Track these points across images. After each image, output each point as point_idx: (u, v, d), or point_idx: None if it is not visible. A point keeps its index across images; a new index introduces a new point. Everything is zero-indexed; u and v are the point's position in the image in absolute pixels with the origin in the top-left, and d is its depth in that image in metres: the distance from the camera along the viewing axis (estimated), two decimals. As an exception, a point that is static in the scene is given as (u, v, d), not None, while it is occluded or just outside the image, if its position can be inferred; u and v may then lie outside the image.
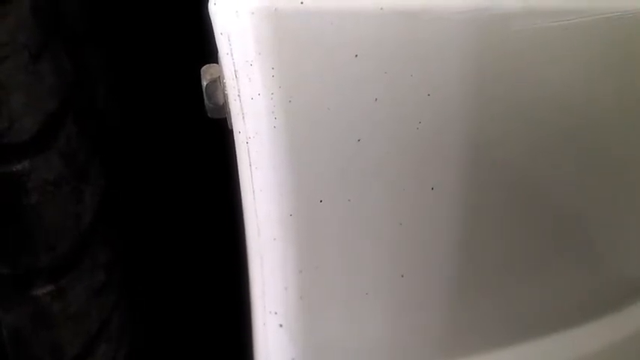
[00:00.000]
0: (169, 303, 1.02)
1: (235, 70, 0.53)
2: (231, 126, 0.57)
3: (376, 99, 0.55)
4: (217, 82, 0.57)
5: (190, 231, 1.00)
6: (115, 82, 0.85)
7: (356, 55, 0.53)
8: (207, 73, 0.57)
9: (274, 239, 0.60)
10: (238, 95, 0.54)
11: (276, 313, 0.64)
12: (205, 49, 0.60)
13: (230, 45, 0.52)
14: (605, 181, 0.65)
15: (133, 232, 0.90)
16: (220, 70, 0.56)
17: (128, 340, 0.85)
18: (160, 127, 0.95)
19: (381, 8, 0.52)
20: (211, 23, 0.53)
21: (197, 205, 1.00)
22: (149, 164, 0.95)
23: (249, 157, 0.57)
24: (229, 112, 0.57)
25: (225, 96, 0.57)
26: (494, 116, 0.58)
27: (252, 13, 0.50)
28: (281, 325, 0.65)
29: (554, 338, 0.72)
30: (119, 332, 0.82)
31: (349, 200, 0.59)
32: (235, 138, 0.57)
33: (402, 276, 0.64)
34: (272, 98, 0.53)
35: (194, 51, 0.67)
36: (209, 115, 0.59)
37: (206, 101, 0.58)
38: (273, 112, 0.54)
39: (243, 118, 0.55)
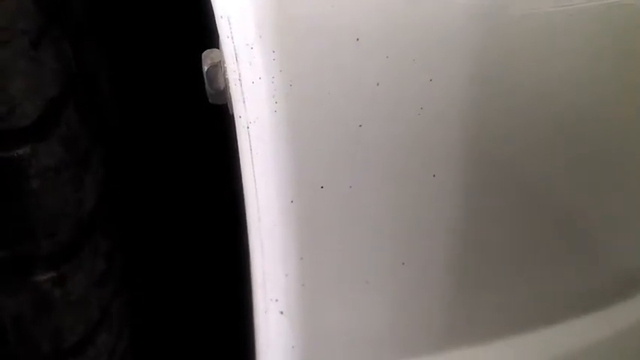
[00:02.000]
0: (170, 292, 1.02)
1: (236, 54, 0.53)
2: (232, 111, 0.57)
3: (378, 84, 0.54)
4: (218, 66, 0.57)
5: (191, 219, 1.00)
6: (116, 71, 0.85)
7: (357, 39, 0.52)
8: (207, 57, 0.57)
9: (275, 226, 0.60)
10: (239, 79, 0.54)
11: (276, 300, 0.64)
12: (207, 39, 0.59)
13: (230, 28, 0.52)
14: (604, 172, 0.65)
15: (134, 220, 0.90)
16: (221, 55, 0.55)
17: (129, 332, 0.85)
18: (162, 116, 0.95)
19: (383, -8, 0.51)
20: (212, 6, 0.53)
21: (198, 193, 1.00)
22: (150, 153, 0.95)
23: (250, 143, 0.57)
24: (230, 96, 0.56)
25: (226, 80, 0.56)
26: (497, 102, 0.57)
27: (253, -5, 0.50)
28: (282, 313, 0.64)
29: (554, 330, 0.72)
30: (120, 322, 0.82)
31: (350, 186, 0.59)
32: (236, 123, 0.57)
33: (403, 264, 0.64)
34: (273, 82, 0.53)
35: (196, 40, 0.66)
36: (210, 101, 0.59)
37: (207, 87, 0.58)
38: (274, 97, 0.54)
39: (244, 102, 0.55)
